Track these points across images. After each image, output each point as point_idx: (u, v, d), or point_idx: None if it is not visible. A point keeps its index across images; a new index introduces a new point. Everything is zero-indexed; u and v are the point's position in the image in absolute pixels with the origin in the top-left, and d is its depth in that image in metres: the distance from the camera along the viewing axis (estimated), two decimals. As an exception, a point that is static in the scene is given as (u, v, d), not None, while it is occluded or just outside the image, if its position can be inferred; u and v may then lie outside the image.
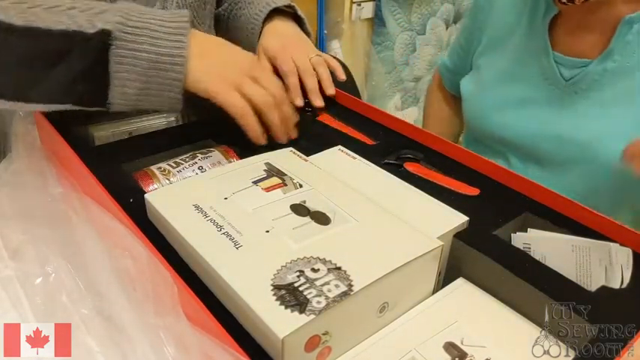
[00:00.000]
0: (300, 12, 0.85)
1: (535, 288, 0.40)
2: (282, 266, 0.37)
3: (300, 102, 0.72)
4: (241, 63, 0.59)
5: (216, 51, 0.58)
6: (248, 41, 0.83)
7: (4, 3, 0.51)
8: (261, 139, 0.58)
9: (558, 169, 0.73)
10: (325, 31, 1.71)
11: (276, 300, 0.35)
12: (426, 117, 1.09)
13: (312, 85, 0.73)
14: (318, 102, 0.72)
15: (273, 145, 0.58)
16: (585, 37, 0.71)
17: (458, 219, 0.47)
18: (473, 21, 0.88)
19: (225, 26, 0.91)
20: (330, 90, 0.74)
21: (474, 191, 0.54)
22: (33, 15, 0.50)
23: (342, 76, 0.77)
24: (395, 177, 0.53)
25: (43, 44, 0.50)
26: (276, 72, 0.73)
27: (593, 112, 0.70)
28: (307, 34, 0.84)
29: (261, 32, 0.81)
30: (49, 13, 0.51)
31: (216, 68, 0.56)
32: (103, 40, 0.50)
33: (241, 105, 0.56)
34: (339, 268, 0.37)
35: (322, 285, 0.36)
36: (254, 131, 0.57)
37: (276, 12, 0.84)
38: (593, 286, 0.45)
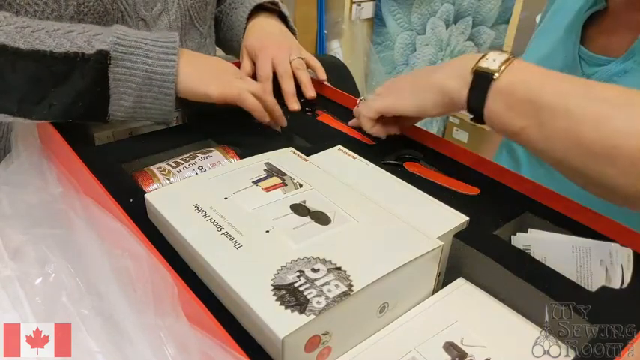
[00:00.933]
0: (284, 9, 0.86)
1: (535, 288, 0.40)
2: (282, 266, 0.37)
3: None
4: (228, 69, 0.65)
5: (205, 62, 0.63)
6: (238, 39, 0.84)
7: (9, 28, 0.54)
8: (266, 117, 0.63)
9: None
10: (325, 31, 1.72)
11: (276, 300, 0.35)
12: None
13: (287, 88, 0.74)
14: (294, 105, 0.73)
15: (272, 145, 0.58)
16: (618, 36, 0.68)
17: (458, 219, 0.47)
18: (547, 5, 0.85)
19: (221, 26, 0.92)
20: (310, 93, 0.75)
21: (474, 191, 0.54)
22: (37, 39, 0.54)
23: (322, 76, 0.78)
24: (395, 177, 0.53)
25: (47, 66, 0.54)
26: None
27: None
28: (292, 31, 0.85)
29: (245, 30, 0.82)
30: (50, 37, 0.54)
31: (208, 74, 0.61)
32: (100, 61, 0.55)
33: (238, 91, 0.61)
34: (339, 268, 0.37)
35: (322, 285, 0.36)
36: (259, 110, 0.62)
37: (261, 9, 0.84)
38: (593, 286, 0.45)
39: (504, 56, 0.47)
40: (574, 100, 0.42)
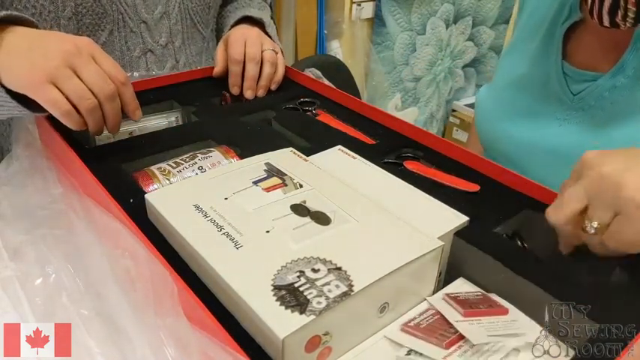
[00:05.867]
0: (270, 28, 0.84)
1: (535, 287, 0.40)
2: (282, 266, 0.37)
3: (236, 91, 0.73)
4: (59, 47, 0.51)
5: (29, 45, 0.52)
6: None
7: None
8: (81, 125, 0.53)
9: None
10: (325, 31, 1.71)
11: (277, 300, 0.35)
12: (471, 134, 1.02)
13: (251, 73, 0.73)
14: (248, 93, 0.73)
15: (272, 145, 0.58)
16: (600, 49, 0.65)
17: (458, 219, 0.47)
18: (517, 19, 0.82)
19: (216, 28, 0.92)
20: (261, 90, 0.74)
21: (474, 187, 0.54)
22: None
23: (273, 84, 0.76)
24: (395, 177, 0.53)
25: None
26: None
27: (597, 131, 0.64)
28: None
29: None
30: None
31: (26, 61, 0.50)
32: None
33: (55, 101, 0.50)
34: (339, 269, 0.37)
35: (322, 285, 0.36)
36: (74, 125, 0.52)
37: (247, 21, 0.83)
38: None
39: None
40: None
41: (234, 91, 0.74)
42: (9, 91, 0.52)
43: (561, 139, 0.68)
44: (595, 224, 0.41)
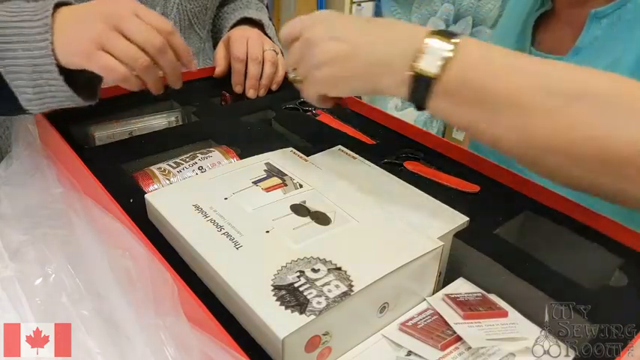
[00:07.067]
0: (269, 30, 0.85)
1: (535, 288, 0.40)
2: (282, 266, 0.37)
3: (238, 90, 0.73)
4: (100, 11, 0.52)
5: (75, 14, 0.53)
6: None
7: None
8: (136, 86, 0.54)
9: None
10: (325, 31, 1.71)
11: (277, 300, 0.35)
12: None
13: (254, 72, 0.73)
14: (251, 92, 0.73)
15: (272, 145, 0.58)
16: (564, 34, 0.69)
17: (458, 219, 0.47)
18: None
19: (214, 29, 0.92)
20: (262, 91, 0.75)
21: (474, 188, 0.54)
22: None
23: (273, 84, 0.76)
24: (395, 177, 0.53)
25: None
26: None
27: None
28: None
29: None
30: None
31: (75, 33, 0.51)
32: None
33: (110, 66, 0.51)
34: (339, 269, 0.37)
35: (322, 285, 0.36)
36: (135, 87, 0.54)
37: (246, 22, 0.83)
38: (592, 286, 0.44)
39: (447, 47, 0.41)
40: (528, 93, 0.39)
41: (237, 89, 0.74)
42: (65, 78, 0.52)
43: None
44: (295, 75, 0.51)
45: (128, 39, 0.51)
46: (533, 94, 0.39)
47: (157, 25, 0.52)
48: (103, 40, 0.50)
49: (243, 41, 0.74)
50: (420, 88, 0.42)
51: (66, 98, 0.54)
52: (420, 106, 0.44)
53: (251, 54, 0.73)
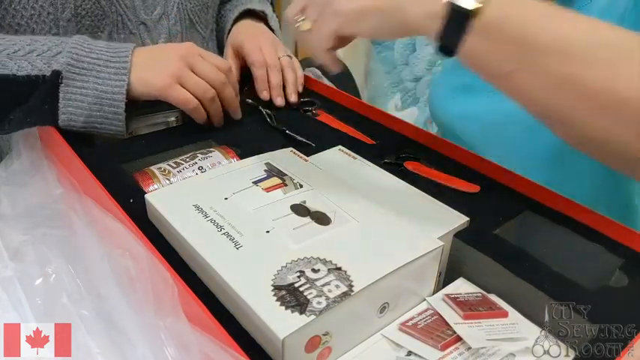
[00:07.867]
0: (273, 21, 0.85)
1: (535, 288, 0.40)
2: (282, 266, 0.37)
3: (265, 95, 0.73)
4: (175, 53, 0.61)
5: (151, 55, 0.61)
6: (224, 40, 0.84)
7: None
8: (207, 121, 0.63)
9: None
10: (325, 31, 1.71)
11: (277, 300, 0.35)
12: None
13: (277, 80, 0.73)
14: (279, 100, 0.72)
15: (272, 145, 0.58)
16: None
17: (458, 219, 0.47)
18: None
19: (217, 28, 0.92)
20: (293, 97, 0.74)
21: (474, 188, 0.54)
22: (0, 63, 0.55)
23: (299, 87, 0.76)
24: (395, 177, 0.53)
25: (9, 88, 0.55)
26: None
27: None
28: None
29: (230, 31, 0.82)
30: (12, 59, 0.56)
31: (155, 69, 0.59)
32: (53, 80, 0.55)
33: (187, 99, 0.59)
34: (339, 269, 0.37)
35: (323, 285, 0.36)
36: (201, 118, 0.62)
37: (250, 15, 0.83)
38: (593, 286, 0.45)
39: None
40: (577, 43, 0.37)
41: (264, 95, 0.73)
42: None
43: (489, 108, 0.68)
44: (303, 21, 0.47)
45: (198, 75, 0.60)
46: (585, 44, 0.37)
47: (219, 65, 0.63)
48: (181, 76, 0.59)
49: (257, 49, 0.75)
50: (455, 23, 0.39)
51: (112, 131, 0.59)
52: (450, 48, 0.40)
53: (269, 62, 0.74)
